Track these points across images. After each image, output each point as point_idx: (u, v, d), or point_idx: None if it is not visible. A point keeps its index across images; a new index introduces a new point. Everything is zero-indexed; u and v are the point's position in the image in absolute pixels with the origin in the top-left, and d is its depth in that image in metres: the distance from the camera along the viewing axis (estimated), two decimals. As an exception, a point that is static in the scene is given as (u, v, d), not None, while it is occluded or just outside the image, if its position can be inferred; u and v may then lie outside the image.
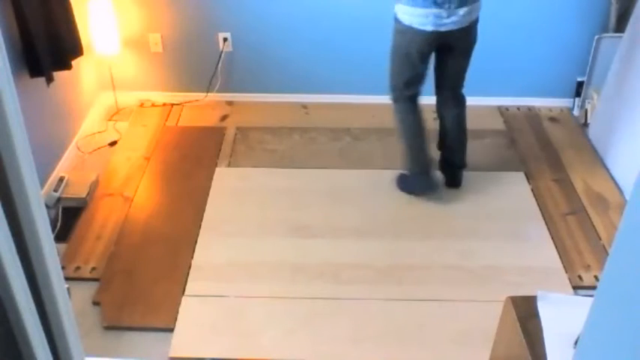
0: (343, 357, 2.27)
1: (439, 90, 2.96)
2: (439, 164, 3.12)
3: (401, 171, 3.09)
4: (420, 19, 2.61)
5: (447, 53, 2.80)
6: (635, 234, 0.74)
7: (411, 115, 2.92)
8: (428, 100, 2.96)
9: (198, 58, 3.69)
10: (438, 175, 3.08)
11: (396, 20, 2.71)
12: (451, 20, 2.61)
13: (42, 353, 0.75)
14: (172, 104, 3.77)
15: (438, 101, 3.00)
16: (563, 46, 3.59)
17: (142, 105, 3.76)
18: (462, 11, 2.60)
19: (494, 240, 2.80)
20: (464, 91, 2.97)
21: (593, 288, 2.44)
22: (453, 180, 3.09)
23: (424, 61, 2.78)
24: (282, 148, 3.41)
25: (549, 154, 3.38)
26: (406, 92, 2.87)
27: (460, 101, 2.98)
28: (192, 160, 3.29)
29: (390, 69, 2.87)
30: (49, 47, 2.88)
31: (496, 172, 3.23)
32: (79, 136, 3.42)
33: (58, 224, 2.85)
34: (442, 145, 3.11)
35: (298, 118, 3.68)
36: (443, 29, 2.63)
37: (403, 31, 2.69)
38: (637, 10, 3.08)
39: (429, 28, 2.62)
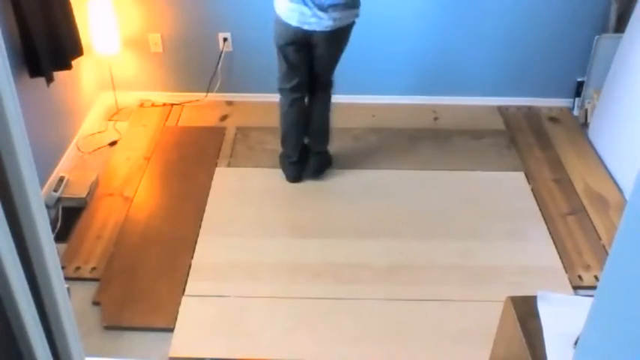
0: (343, 357, 2.27)
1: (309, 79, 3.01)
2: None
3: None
4: (288, 12, 2.70)
5: (314, 50, 2.84)
6: (635, 234, 0.74)
7: (289, 113, 3.03)
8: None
9: (198, 58, 3.69)
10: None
11: (274, 9, 2.78)
12: (314, 21, 2.66)
13: (42, 353, 0.75)
14: (172, 104, 3.77)
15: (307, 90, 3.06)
16: (563, 46, 3.59)
17: (142, 105, 3.76)
18: (326, 15, 2.65)
19: (495, 240, 2.80)
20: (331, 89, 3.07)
21: (593, 288, 2.44)
22: (314, 167, 3.17)
23: (291, 53, 2.82)
24: (282, 148, 3.40)
25: (549, 154, 3.38)
26: (286, 85, 2.96)
27: (325, 92, 3.05)
28: (192, 160, 3.29)
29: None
30: (49, 47, 2.88)
31: (496, 172, 3.23)
32: (79, 136, 3.42)
33: (58, 224, 2.85)
34: (307, 134, 3.18)
35: (298, 118, 3.68)
36: (306, 27, 2.69)
37: (276, 21, 2.79)
38: (637, 10, 3.08)
39: (294, 23, 2.69)
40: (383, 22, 3.55)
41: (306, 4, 2.63)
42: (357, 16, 2.76)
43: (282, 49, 2.84)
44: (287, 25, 2.71)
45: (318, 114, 3.09)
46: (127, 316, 2.41)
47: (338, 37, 2.78)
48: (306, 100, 3.04)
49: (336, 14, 2.65)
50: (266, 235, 2.80)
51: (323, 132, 3.14)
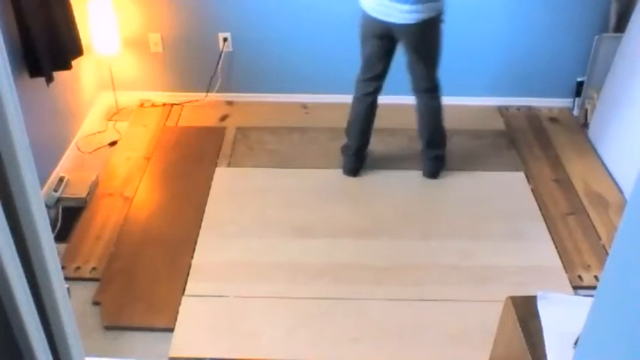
0: (343, 357, 2.27)
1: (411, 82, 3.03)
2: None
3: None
4: (373, 5, 2.72)
5: (403, 46, 2.86)
6: (635, 234, 0.74)
7: (359, 107, 3.07)
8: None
9: (198, 58, 3.69)
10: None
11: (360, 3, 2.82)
12: (395, 13, 2.67)
13: (42, 353, 0.75)
14: (172, 104, 3.77)
15: (413, 91, 3.08)
16: (563, 46, 3.59)
17: (142, 105, 3.76)
18: (405, 7, 2.65)
19: (494, 240, 2.80)
20: (439, 93, 3.03)
21: (593, 288, 2.44)
22: (430, 170, 3.17)
23: (376, 48, 2.86)
24: (282, 148, 3.41)
25: (549, 154, 3.38)
26: (362, 75, 3.00)
27: (430, 96, 3.02)
28: (192, 160, 3.29)
29: None
30: (49, 47, 2.88)
31: (496, 172, 3.23)
32: (79, 136, 3.42)
33: (58, 224, 2.85)
34: (419, 134, 3.18)
35: (298, 118, 3.68)
36: (387, 19, 2.71)
37: (361, 15, 2.82)
38: (637, 10, 3.08)
39: (377, 15, 2.73)
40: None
41: None
42: (438, 11, 2.73)
43: (363, 40, 2.90)
44: (369, 17, 2.76)
45: (428, 118, 3.07)
46: (127, 316, 2.41)
47: (421, 33, 2.77)
48: (377, 98, 3.07)
49: (416, 7, 2.65)
50: (266, 235, 2.80)
51: (435, 136, 3.11)
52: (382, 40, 2.84)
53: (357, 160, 3.17)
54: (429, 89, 3.00)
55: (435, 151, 3.15)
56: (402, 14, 2.67)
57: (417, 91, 3.02)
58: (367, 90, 3.02)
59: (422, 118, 3.09)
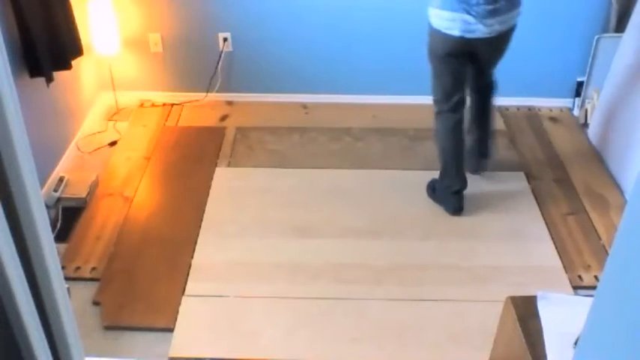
0: (343, 357, 2.27)
1: (469, 80, 2.90)
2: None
3: (434, 179, 3.04)
4: (448, 23, 2.54)
5: (476, 58, 2.74)
6: (635, 234, 0.74)
7: (449, 138, 2.85)
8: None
9: (198, 58, 3.69)
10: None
11: (428, 23, 2.65)
12: (479, 28, 2.53)
13: (42, 353, 0.75)
14: (172, 104, 3.77)
15: (469, 89, 2.93)
16: (563, 46, 3.59)
17: (142, 105, 3.76)
18: (491, 21, 2.52)
19: (494, 240, 2.80)
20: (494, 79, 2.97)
21: (593, 288, 2.44)
22: (474, 167, 3.10)
23: (454, 66, 2.70)
24: (282, 148, 3.41)
25: (549, 153, 3.38)
26: (446, 105, 2.79)
27: (488, 85, 2.95)
28: (192, 160, 3.29)
29: (431, 79, 2.80)
30: (49, 47, 2.88)
31: (496, 172, 3.23)
32: (79, 136, 3.42)
33: (58, 224, 2.85)
34: (469, 130, 3.06)
35: (298, 118, 3.69)
36: (469, 36, 2.54)
37: (433, 35, 2.64)
38: (637, 10, 3.08)
39: (456, 33, 2.54)
40: (384, 23, 3.55)
41: (469, 13, 2.48)
42: (519, 15, 2.64)
43: (442, 62, 2.68)
44: (447, 37, 2.56)
45: (488, 113, 2.99)
46: (127, 316, 2.41)
47: (502, 40, 2.66)
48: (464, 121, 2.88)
49: (501, 17, 2.53)
50: (266, 235, 2.80)
51: (490, 134, 3.05)
52: (463, 57, 2.68)
53: (462, 193, 2.91)
54: (491, 82, 2.95)
55: (485, 147, 3.09)
56: (489, 28, 2.53)
57: (480, 87, 2.92)
58: (456, 118, 2.80)
59: (481, 113, 2.99)
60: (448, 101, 2.78)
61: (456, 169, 2.89)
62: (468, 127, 3.04)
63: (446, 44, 2.62)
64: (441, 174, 2.96)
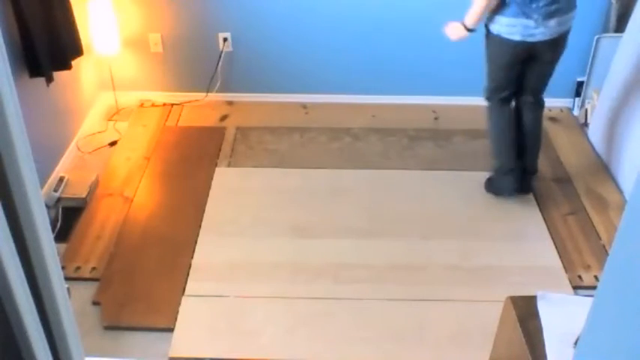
0: (343, 357, 2.27)
1: (519, 94, 2.93)
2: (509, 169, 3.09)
3: (489, 174, 3.09)
4: (508, 28, 2.61)
5: (533, 62, 2.77)
6: (635, 234, 0.74)
7: (500, 118, 2.92)
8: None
9: (198, 58, 3.69)
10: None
11: (486, 28, 2.71)
12: (539, 31, 2.59)
13: (42, 353, 0.75)
14: (172, 104, 3.77)
15: (517, 104, 2.97)
16: (563, 46, 3.58)
17: (142, 105, 3.76)
18: (551, 22, 2.58)
19: (494, 240, 2.80)
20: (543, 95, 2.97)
21: (593, 288, 2.44)
22: (523, 185, 3.03)
23: (512, 68, 2.77)
24: (282, 148, 3.41)
25: (549, 154, 3.37)
26: (496, 95, 2.88)
27: (539, 105, 2.96)
28: (192, 160, 3.29)
29: (485, 71, 2.87)
30: (49, 47, 2.88)
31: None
32: (79, 136, 3.42)
33: (58, 224, 2.85)
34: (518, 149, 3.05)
35: (298, 118, 3.69)
36: (530, 40, 2.61)
37: (492, 41, 2.71)
38: (637, 10, 3.08)
39: (517, 37, 2.61)
40: (384, 23, 3.55)
41: (528, 17, 2.55)
42: (574, 18, 2.68)
43: (506, 68, 2.76)
44: (509, 42, 2.63)
45: (535, 131, 2.98)
46: (127, 316, 2.41)
47: (559, 43, 2.71)
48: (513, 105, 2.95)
49: (561, 18, 2.59)
50: (266, 235, 2.80)
51: (539, 150, 3.03)
52: (522, 61, 2.75)
53: (519, 173, 2.96)
54: (541, 96, 2.94)
55: (534, 164, 3.05)
56: (547, 30, 2.59)
57: (531, 98, 2.91)
58: (507, 104, 2.91)
59: (529, 128, 2.96)
60: (500, 93, 2.87)
61: (510, 147, 2.93)
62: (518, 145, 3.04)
63: (508, 49, 2.68)
64: (496, 154, 2.99)
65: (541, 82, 2.89)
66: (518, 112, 2.99)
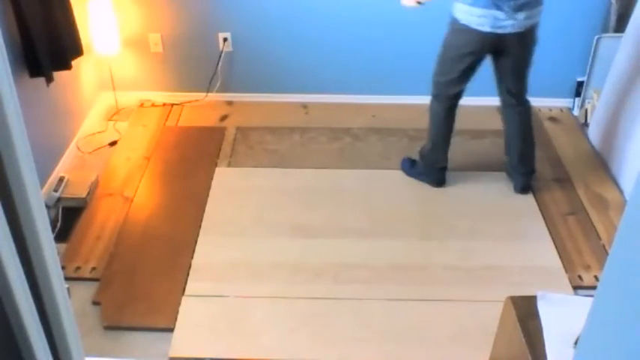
0: (343, 357, 2.27)
1: (500, 94, 2.94)
2: (506, 169, 3.14)
3: (409, 156, 3.20)
4: (479, 19, 2.60)
5: (503, 57, 2.77)
6: (635, 234, 0.74)
7: (444, 116, 2.95)
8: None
9: (198, 58, 3.69)
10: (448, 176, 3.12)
11: (453, 19, 2.70)
12: (509, 23, 2.59)
13: (42, 353, 0.75)
14: (172, 104, 3.77)
15: (501, 106, 2.99)
16: (563, 46, 3.59)
17: (142, 105, 3.77)
18: (520, 15, 2.59)
19: (494, 240, 2.80)
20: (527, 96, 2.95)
21: (593, 288, 2.44)
22: (523, 186, 3.05)
23: (475, 62, 2.76)
24: (282, 148, 3.41)
25: (549, 153, 3.37)
26: (447, 92, 2.88)
27: (525, 107, 2.95)
28: (192, 160, 3.29)
29: (436, 65, 2.87)
30: (49, 47, 2.87)
31: (496, 172, 3.22)
32: (79, 136, 3.42)
33: (58, 224, 2.85)
34: (508, 150, 3.09)
35: (298, 118, 3.69)
36: (499, 32, 2.61)
37: (459, 31, 2.69)
38: (637, 10, 3.08)
39: (486, 29, 2.61)
40: (384, 23, 3.55)
41: (499, 8, 2.55)
42: (542, 12, 2.69)
43: (462, 58, 2.73)
44: (476, 32, 2.62)
45: (525, 131, 2.97)
46: (127, 316, 2.41)
47: (528, 38, 2.71)
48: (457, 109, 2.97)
49: (530, 12, 2.60)
50: (266, 235, 2.80)
51: (533, 150, 3.04)
52: (481, 53, 2.74)
53: (442, 173, 3.08)
54: (524, 98, 2.93)
55: (529, 164, 3.06)
56: (516, 22, 2.59)
57: (512, 100, 2.91)
58: (453, 102, 2.93)
59: (516, 130, 2.97)
60: (450, 90, 2.87)
61: (445, 148, 3.04)
62: (507, 146, 3.08)
63: (473, 40, 2.67)
64: (429, 150, 3.07)
65: (519, 82, 2.87)
66: (504, 118, 3.02)
